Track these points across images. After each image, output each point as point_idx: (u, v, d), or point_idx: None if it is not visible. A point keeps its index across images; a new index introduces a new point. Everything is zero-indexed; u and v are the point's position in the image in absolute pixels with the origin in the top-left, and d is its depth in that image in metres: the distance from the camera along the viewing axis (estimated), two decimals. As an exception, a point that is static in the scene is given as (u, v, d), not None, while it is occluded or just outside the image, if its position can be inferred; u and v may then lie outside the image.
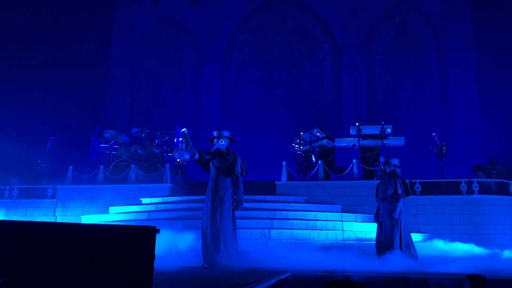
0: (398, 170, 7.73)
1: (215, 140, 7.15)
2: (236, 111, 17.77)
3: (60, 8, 15.64)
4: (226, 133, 7.21)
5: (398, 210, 7.36)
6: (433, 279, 5.26)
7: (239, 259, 6.61)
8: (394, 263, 6.73)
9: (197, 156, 7.02)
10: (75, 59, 15.51)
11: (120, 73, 18.27)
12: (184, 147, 6.86)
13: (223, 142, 7.11)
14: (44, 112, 13.93)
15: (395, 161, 7.68)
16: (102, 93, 17.63)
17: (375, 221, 7.76)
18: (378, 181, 10.58)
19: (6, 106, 13.43)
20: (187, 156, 6.90)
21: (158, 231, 3.20)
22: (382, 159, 7.74)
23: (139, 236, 3.10)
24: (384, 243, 7.36)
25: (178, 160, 7.02)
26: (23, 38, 15.23)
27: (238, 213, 9.68)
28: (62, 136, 12.74)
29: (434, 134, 11.62)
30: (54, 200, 11.29)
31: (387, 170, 7.61)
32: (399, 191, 7.36)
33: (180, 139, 6.93)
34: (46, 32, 15.37)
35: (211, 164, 7.07)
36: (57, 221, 11.08)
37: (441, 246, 8.92)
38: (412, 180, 10.41)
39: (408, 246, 7.41)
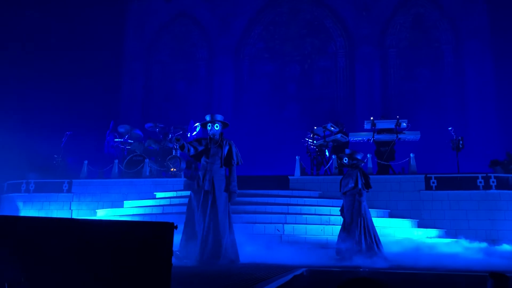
0: (361, 165, 7.48)
1: (208, 124, 6.36)
2: (249, 106, 17.73)
3: (74, 4, 15.74)
4: (219, 117, 6.42)
5: (362, 204, 7.07)
6: (451, 276, 5.20)
7: (237, 258, 6.09)
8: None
9: (192, 151, 6.28)
10: (89, 55, 15.61)
11: (133, 68, 18.39)
12: (178, 154, 6.42)
13: (218, 128, 6.33)
14: (59, 107, 14.08)
15: (360, 156, 7.43)
16: (116, 88, 17.77)
17: (341, 216, 7.45)
18: (400, 175, 10.55)
19: (22, 101, 13.59)
20: (183, 165, 6.54)
21: (176, 227, 3.20)
22: (347, 151, 7.46)
23: (157, 233, 3.10)
24: (343, 239, 7.09)
25: (173, 169, 6.66)
26: (37, 34, 15.36)
27: (251, 207, 9.79)
28: (77, 130, 12.88)
29: (450, 128, 11.46)
30: (69, 194, 11.43)
31: (346, 163, 7.34)
32: (359, 185, 7.11)
33: (174, 144, 6.34)
34: (60, 28, 15.47)
35: (207, 152, 6.31)
36: (73, 214, 11.24)
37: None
38: (428, 175, 10.31)
39: (372, 244, 7.04)
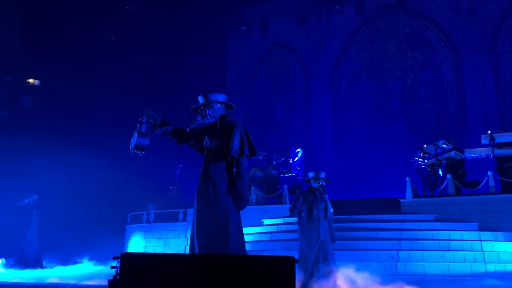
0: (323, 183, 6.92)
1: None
2: (349, 126, 17.41)
3: (179, 47, 17.14)
4: (219, 97, 4.65)
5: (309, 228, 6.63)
6: None
7: None
8: None
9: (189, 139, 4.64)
10: (196, 92, 16.79)
11: (235, 100, 19.14)
12: (143, 130, 4.38)
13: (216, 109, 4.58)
14: (173, 143, 15.24)
15: (323, 175, 6.91)
16: (221, 121, 18.73)
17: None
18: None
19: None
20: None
21: (297, 261, 3.23)
22: (312, 173, 6.93)
23: (279, 267, 3.15)
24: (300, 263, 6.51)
25: (135, 151, 4.32)
26: (148, 76, 16.98)
27: (362, 233, 9.45)
28: (189, 163, 13.76)
29: None
30: (185, 223, 12.14)
31: (315, 186, 6.89)
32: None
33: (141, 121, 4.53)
34: (168, 69, 16.92)
35: (204, 142, 4.64)
36: (188, 242, 11.91)
37: None
38: None
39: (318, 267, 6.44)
